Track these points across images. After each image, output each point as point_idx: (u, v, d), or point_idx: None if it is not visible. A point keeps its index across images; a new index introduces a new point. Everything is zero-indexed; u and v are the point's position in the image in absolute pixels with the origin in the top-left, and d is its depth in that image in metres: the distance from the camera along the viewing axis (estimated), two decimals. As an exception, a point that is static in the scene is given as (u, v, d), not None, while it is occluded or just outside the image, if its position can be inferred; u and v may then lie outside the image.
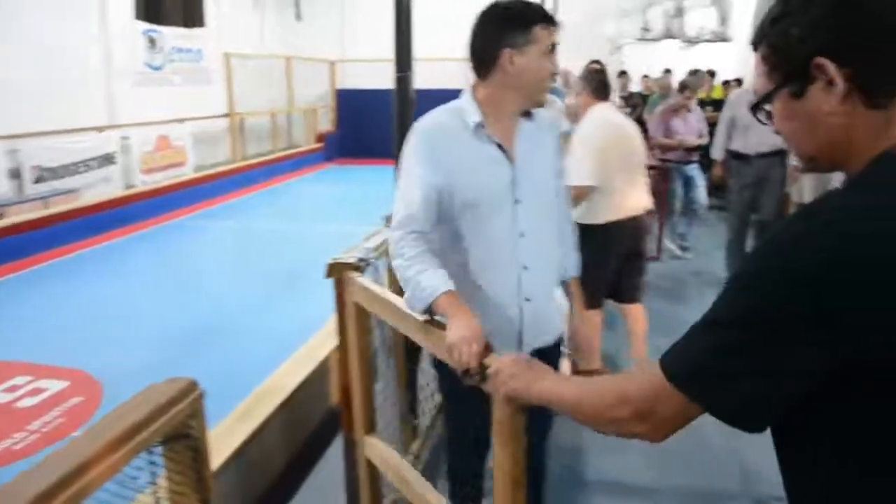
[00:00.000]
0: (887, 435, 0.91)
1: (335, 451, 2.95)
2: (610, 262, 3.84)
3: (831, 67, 0.92)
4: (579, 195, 3.61)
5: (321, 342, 3.59)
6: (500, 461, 1.52)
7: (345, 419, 2.43)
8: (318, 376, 3.43)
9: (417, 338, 1.86)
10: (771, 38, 1.00)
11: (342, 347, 2.32)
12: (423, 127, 1.96)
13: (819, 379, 0.89)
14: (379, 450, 2.23)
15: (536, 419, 2.35)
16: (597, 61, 6.70)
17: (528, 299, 2.02)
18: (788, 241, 0.91)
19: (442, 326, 1.69)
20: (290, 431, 3.21)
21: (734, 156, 5.92)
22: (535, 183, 2.02)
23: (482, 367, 1.51)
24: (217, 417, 2.93)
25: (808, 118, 0.98)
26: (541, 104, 2.08)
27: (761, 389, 0.92)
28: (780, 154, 5.69)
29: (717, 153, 6.11)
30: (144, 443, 1.29)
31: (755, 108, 1.06)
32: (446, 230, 1.96)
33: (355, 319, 2.13)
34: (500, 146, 1.97)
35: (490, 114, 1.97)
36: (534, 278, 2.03)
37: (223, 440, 2.67)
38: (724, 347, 0.94)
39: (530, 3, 1.97)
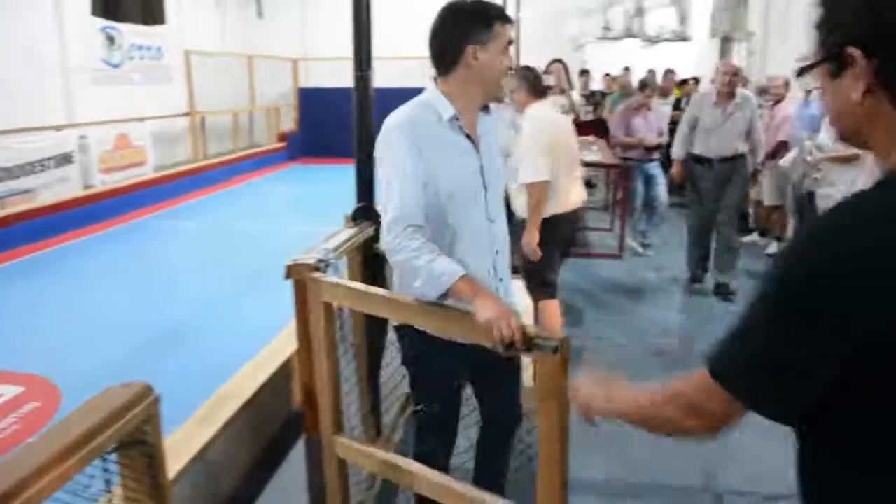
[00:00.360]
0: (886, 438, 0.94)
1: (298, 454, 2.93)
2: (556, 253, 4.11)
3: (860, 58, 0.92)
4: (541, 190, 3.82)
5: (283, 343, 3.56)
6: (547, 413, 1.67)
7: (308, 420, 2.42)
8: (281, 378, 3.41)
9: (424, 324, 1.99)
10: (820, 15, 1.01)
11: (303, 349, 2.31)
12: (402, 122, 2.01)
13: (831, 381, 0.93)
14: (354, 447, 2.27)
15: (503, 417, 2.50)
16: (559, 60, 6.80)
17: (501, 280, 2.21)
18: (812, 243, 0.93)
19: (455, 309, 1.83)
20: (251, 434, 3.18)
21: (696, 159, 5.83)
22: (494, 172, 2.18)
23: (526, 339, 1.67)
24: (178, 421, 2.89)
25: (840, 100, 0.99)
26: (500, 98, 2.23)
27: (794, 388, 0.96)
28: (741, 158, 5.66)
29: (677, 152, 6.02)
30: (98, 449, 1.28)
31: (801, 72, 1.08)
32: (433, 220, 2.02)
33: (324, 318, 2.13)
34: (469, 137, 2.09)
35: (458, 107, 2.06)
36: (502, 260, 2.22)
37: (183, 444, 2.63)
38: (759, 348, 0.97)
39: (489, 2, 2.08)
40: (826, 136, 5.86)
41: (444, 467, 2.32)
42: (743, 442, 3.57)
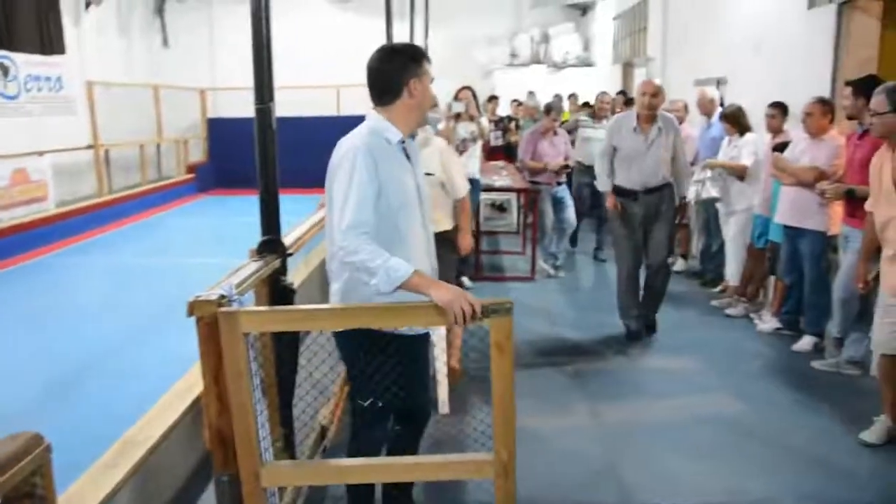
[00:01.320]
0: None
1: (209, 497, 2.85)
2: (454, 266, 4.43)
3: None
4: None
5: (190, 384, 3.46)
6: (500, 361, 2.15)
7: (217, 461, 2.36)
8: (189, 420, 3.30)
9: (376, 324, 2.30)
10: None
11: (210, 388, 2.25)
12: (361, 145, 2.36)
13: None
14: (283, 469, 2.35)
15: (421, 411, 2.86)
16: (467, 87, 6.90)
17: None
18: None
19: (405, 304, 2.21)
20: (159, 479, 3.07)
21: (617, 191, 5.31)
22: (424, 187, 2.62)
23: (483, 310, 2.11)
24: (79, 470, 2.77)
25: None
26: (425, 124, 2.84)
27: None
28: (668, 187, 5.25)
29: (603, 185, 5.46)
30: (-20, 507, 1.22)
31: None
32: (387, 227, 2.38)
33: (242, 352, 2.11)
34: (408, 157, 2.53)
35: (401, 132, 2.49)
36: (435, 264, 2.64)
37: (84, 495, 2.52)
38: None
39: (416, 45, 2.67)
40: (722, 155, 6.16)
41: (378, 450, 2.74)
42: (663, 459, 3.67)
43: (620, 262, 5.46)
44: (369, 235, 2.27)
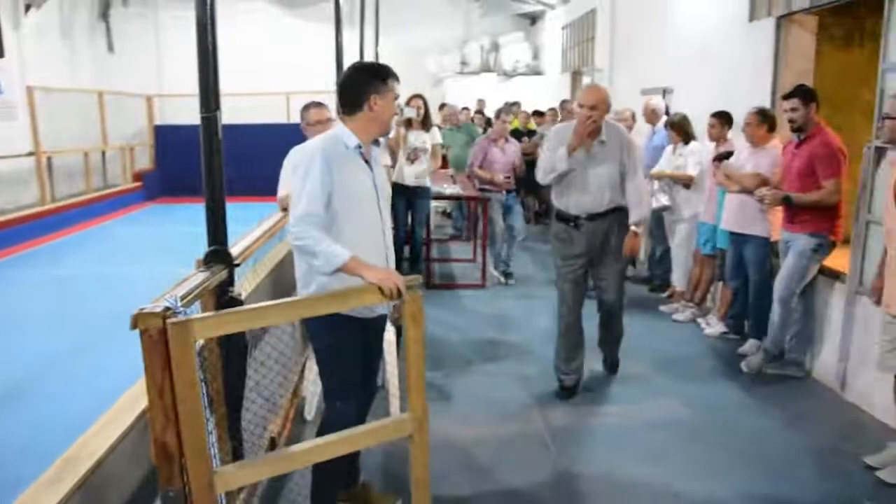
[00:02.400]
0: None
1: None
2: None
3: None
4: None
5: (136, 397, 3.38)
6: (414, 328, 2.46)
7: (163, 475, 2.31)
8: (135, 434, 3.23)
9: (326, 310, 2.42)
10: None
11: (155, 401, 2.20)
12: (320, 147, 2.73)
13: None
14: (240, 471, 2.36)
15: (372, 388, 3.21)
16: (419, 95, 6.92)
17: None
18: None
19: (346, 289, 2.53)
20: (102, 496, 2.99)
21: (559, 217, 4.48)
22: (382, 185, 2.94)
23: (406, 287, 2.44)
24: (22, 486, 2.69)
25: None
26: (387, 134, 3.09)
27: None
28: (618, 212, 4.34)
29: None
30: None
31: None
32: (340, 221, 2.72)
33: (193, 361, 2.08)
34: (366, 161, 2.85)
35: (360, 140, 2.81)
36: (391, 255, 2.96)
37: (24, 513, 2.44)
38: None
39: (383, 64, 2.93)
40: (665, 163, 6.28)
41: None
42: (616, 464, 3.71)
43: (560, 301, 4.53)
44: (318, 225, 2.62)
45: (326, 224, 2.67)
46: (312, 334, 3.05)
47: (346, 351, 2.89)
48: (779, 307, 4.74)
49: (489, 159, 7.35)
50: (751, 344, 5.23)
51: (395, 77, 2.85)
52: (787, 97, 4.60)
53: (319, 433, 2.86)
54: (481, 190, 7.41)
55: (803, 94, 4.53)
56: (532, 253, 8.69)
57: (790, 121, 4.58)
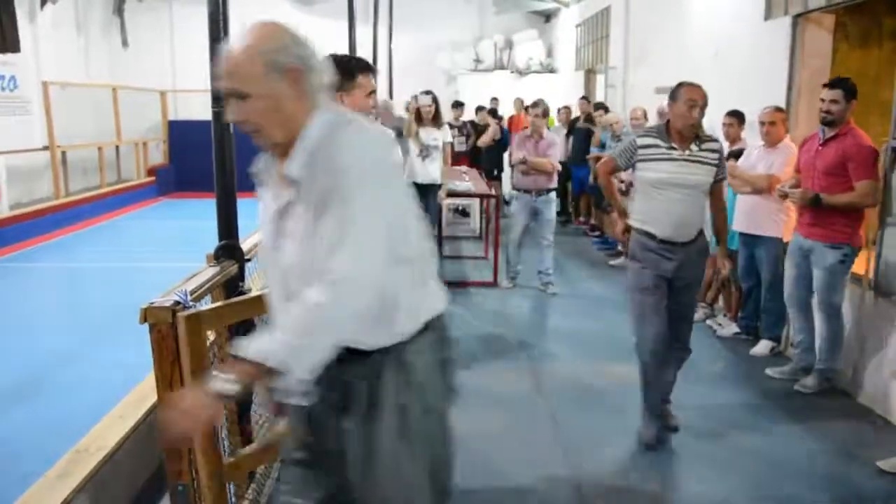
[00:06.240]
0: None
1: (165, 505, 2.80)
2: None
3: None
4: None
5: (147, 391, 3.39)
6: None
7: (172, 470, 2.32)
8: (145, 428, 3.24)
9: None
10: None
11: (165, 394, 2.21)
12: None
13: None
14: (247, 454, 2.41)
15: None
16: (429, 91, 6.91)
17: None
18: None
19: None
20: (114, 489, 3.01)
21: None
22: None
23: None
24: (32, 479, 2.71)
25: None
26: None
27: None
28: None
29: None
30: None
31: None
32: None
33: (206, 352, 2.09)
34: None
35: None
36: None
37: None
38: None
39: (354, 57, 2.72)
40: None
41: None
42: (625, 467, 3.69)
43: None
44: None
45: None
46: None
47: None
48: (827, 326, 4.46)
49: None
50: (763, 345, 5.18)
51: (367, 71, 2.64)
52: (830, 86, 4.27)
53: None
54: (515, 189, 6.99)
55: (847, 88, 4.21)
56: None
57: (826, 112, 4.23)
